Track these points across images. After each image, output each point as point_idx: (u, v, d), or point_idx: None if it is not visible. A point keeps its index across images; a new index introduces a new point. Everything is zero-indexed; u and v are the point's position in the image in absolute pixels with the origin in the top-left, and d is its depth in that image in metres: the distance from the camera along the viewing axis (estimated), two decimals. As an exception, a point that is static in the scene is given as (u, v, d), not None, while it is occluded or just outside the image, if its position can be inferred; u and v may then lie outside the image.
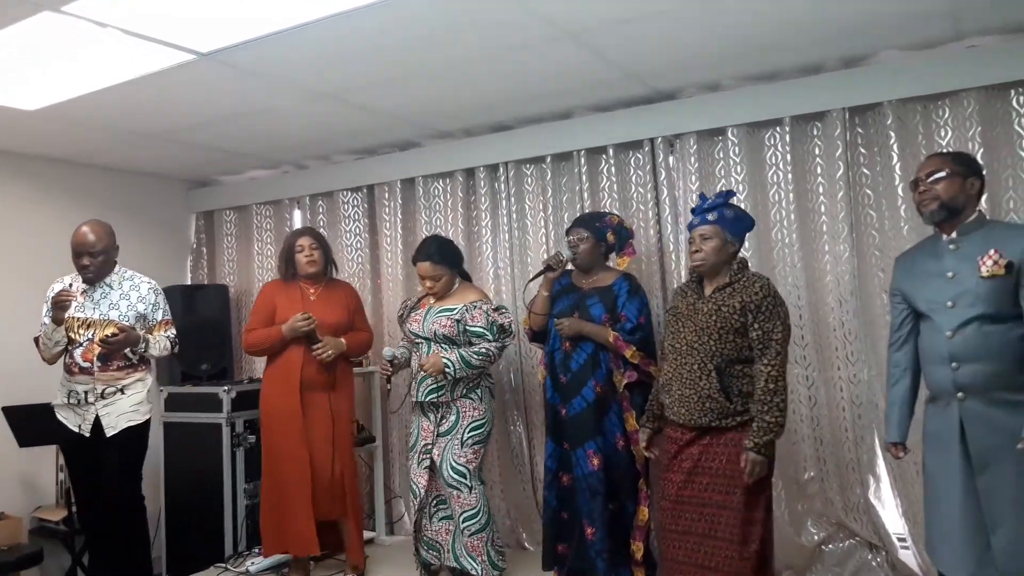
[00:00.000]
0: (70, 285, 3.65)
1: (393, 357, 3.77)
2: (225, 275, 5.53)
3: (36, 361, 3.68)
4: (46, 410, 3.75)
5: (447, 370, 3.52)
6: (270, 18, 2.84)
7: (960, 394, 2.50)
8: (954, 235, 2.60)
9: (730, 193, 3.10)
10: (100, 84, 3.45)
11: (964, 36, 3.30)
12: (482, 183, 4.54)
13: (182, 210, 5.60)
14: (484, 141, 4.49)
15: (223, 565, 4.18)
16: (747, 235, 3.74)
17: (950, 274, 2.56)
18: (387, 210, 4.88)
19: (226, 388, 4.42)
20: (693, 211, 3.05)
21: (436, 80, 3.60)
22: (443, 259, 3.73)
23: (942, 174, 2.58)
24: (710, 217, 2.95)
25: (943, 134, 3.45)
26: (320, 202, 5.18)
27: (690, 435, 2.93)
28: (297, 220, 5.29)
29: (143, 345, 3.67)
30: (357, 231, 5.02)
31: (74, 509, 3.94)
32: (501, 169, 4.47)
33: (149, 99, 3.70)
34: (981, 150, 3.33)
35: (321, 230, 4.86)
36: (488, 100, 3.96)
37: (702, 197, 3.08)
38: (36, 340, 3.67)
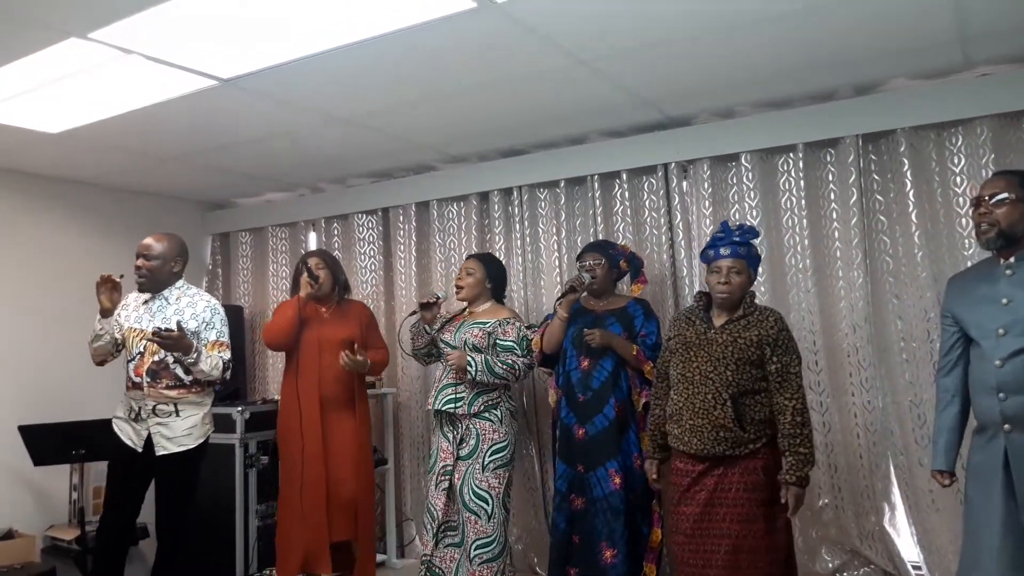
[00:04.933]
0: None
1: (444, 297, 3.88)
2: (240, 296, 5.56)
3: (53, 380, 3.67)
4: (61, 429, 3.75)
5: (469, 367, 3.53)
6: (289, 46, 2.89)
7: (1007, 426, 2.37)
8: (1012, 260, 2.44)
9: (755, 231, 3.02)
10: (122, 108, 3.51)
11: (974, 65, 3.32)
12: (496, 207, 4.58)
13: (198, 231, 5.65)
14: (498, 165, 4.53)
15: (234, 586, 4.18)
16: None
17: (1004, 300, 2.41)
18: (402, 233, 4.91)
19: (240, 409, 4.43)
20: (719, 239, 2.95)
21: (451, 106, 3.64)
22: (485, 264, 3.85)
23: (1004, 197, 2.41)
24: (741, 251, 2.90)
25: (956, 161, 3.46)
26: (335, 224, 5.22)
27: (702, 466, 2.89)
28: (312, 242, 5.33)
29: (194, 355, 3.39)
30: (372, 253, 5.05)
31: (89, 525, 3.91)
32: (515, 193, 4.50)
33: (170, 123, 3.75)
34: (995, 178, 3.33)
35: (336, 252, 4.92)
36: (502, 125, 4.00)
37: (725, 227, 2.98)
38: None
